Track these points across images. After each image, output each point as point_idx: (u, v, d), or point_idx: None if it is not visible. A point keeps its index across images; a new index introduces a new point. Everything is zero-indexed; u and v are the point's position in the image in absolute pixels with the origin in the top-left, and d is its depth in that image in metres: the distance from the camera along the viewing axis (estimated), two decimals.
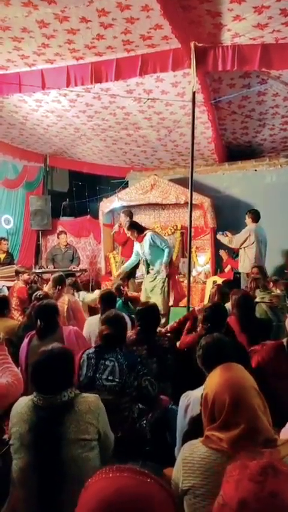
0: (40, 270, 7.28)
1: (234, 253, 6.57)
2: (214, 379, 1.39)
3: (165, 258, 5.04)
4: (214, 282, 6.20)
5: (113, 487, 0.79)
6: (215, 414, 1.31)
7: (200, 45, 4.13)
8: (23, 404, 1.71)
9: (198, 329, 3.00)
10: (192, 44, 4.07)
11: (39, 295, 3.84)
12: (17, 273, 5.30)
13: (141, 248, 5.22)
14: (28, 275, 5.24)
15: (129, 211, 6.61)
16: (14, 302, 4.64)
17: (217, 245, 7.15)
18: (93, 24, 3.77)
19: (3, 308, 3.50)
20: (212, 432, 1.31)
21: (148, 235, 5.11)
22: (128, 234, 5.27)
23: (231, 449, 1.22)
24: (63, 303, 3.88)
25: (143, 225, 5.68)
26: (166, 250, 5.07)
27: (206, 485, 1.25)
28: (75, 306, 3.97)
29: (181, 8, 3.52)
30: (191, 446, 1.37)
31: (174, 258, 8.02)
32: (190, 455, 1.33)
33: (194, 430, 1.64)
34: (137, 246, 5.34)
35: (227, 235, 5.92)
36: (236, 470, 0.86)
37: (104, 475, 0.82)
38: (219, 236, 6.03)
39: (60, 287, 4.12)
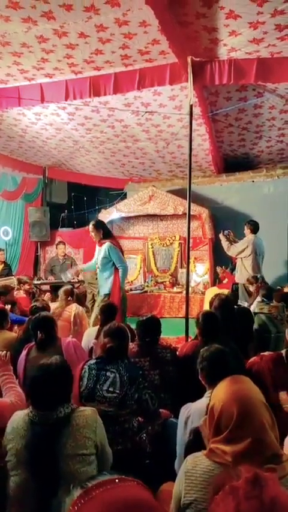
0: (39, 282, 7.27)
1: (232, 266, 6.57)
2: (222, 391, 1.36)
3: (121, 279, 4.61)
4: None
5: (122, 496, 0.80)
6: (222, 426, 1.28)
7: (197, 59, 4.19)
8: (18, 419, 1.68)
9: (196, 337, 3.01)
10: (189, 59, 4.13)
11: (35, 306, 3.83)
12: (20, 282, 5.32)
13: (98, 253, 4.83)
14: (29, 285, 5.24)
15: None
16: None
17: (215, 256, 7.17)
18: (92, 40, 3.83)
19: (1, 320, 3.48)
20: (217, 445, 1.28)
21: (107, 244, 4.65)
22: (92, 234, 4.78)
23: (235, 464, 1.20)
24: (71, 309, 4.14)
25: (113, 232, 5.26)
26: (121, 270, 4.62)
27: (208, 499, 1.23)
28: (82, 314, 4.22)
29: (178, 23, 3.58)
30: (194, 459, 1.34)
31: (172, 268, 8.08)
32: (193, 468, 1.31)
33: (196, 441, 1.63)
34: (97, 250, 4.95)
35: (229, 236, 5.88)
36: (228, 497, 0.84)
37: (108, 486, 0.82)
38: (221, 236, 5.93)
39: (71, 298, 4.32)
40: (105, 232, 4.71)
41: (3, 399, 2.15)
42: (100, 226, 4.73)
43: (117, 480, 0.83)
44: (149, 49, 4.02)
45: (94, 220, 4.93)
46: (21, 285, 5.19)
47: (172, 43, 3.75)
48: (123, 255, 4.84)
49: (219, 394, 1.36)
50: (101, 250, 4.66)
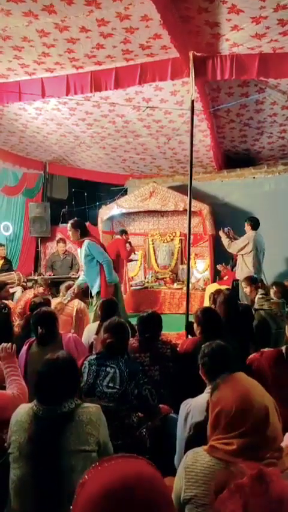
0: (39, 277, 7.27)
1: (232, 263, 6.56)
2: (230, 393, 1.32)
3: (107, 274, 4.44)
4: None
5: (134, 468, 0.84)
6: (235, 427, 1.26)
7: (199, 54, 4.17)
8: (23, 412, 1.69)
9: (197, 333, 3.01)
10: (190, 54, 4.10)
11: (33, 302, 3.81)
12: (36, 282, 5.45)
13: (80, 254, 4.69)
14: (44, 290, 5.09)
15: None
16: (18, 309, 4.60)
17: (216, 252, 7.17)
18: (93, 34, 3.80)
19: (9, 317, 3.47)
20: (223, 441, 1.27)
21: (86, 242, 4.48)
22: (70, 233, 4.62)
23: (237, 454, 1.19)
24: (73, 304, 4.23)
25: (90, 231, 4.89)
26: (104, 265, 4.45)
27: (208, 495, 1.22)
28: (84, 309, 4.30)
29: (180, 18, 3.56)
30: (194, 454, 1.34)
31: (173, 264, 8.08)
32: (193, 464, 1.31)
33: (196, 436, 1.63)
34: (79, 252, 4.78)
35: (229, 233, 5.86)
36: (235, 495, 0.84)
37: (120, 460, 0.87)
38: (221, 233, 5.88)
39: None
40: (82, 231, 4.56)
41: (6, 391, 2.16)
42: (77, 225, 4.57)
43: (130, 458, 0.88)
44: (151, 44, 4.00)
45: (72, 219, 4.77)
46: (37, 285, 5.09)
47: (174, 38, 3.73)
48: (105, 250, 4.65)
49: (227, 396, 1.32)
50: (82, 250, 4.54)
